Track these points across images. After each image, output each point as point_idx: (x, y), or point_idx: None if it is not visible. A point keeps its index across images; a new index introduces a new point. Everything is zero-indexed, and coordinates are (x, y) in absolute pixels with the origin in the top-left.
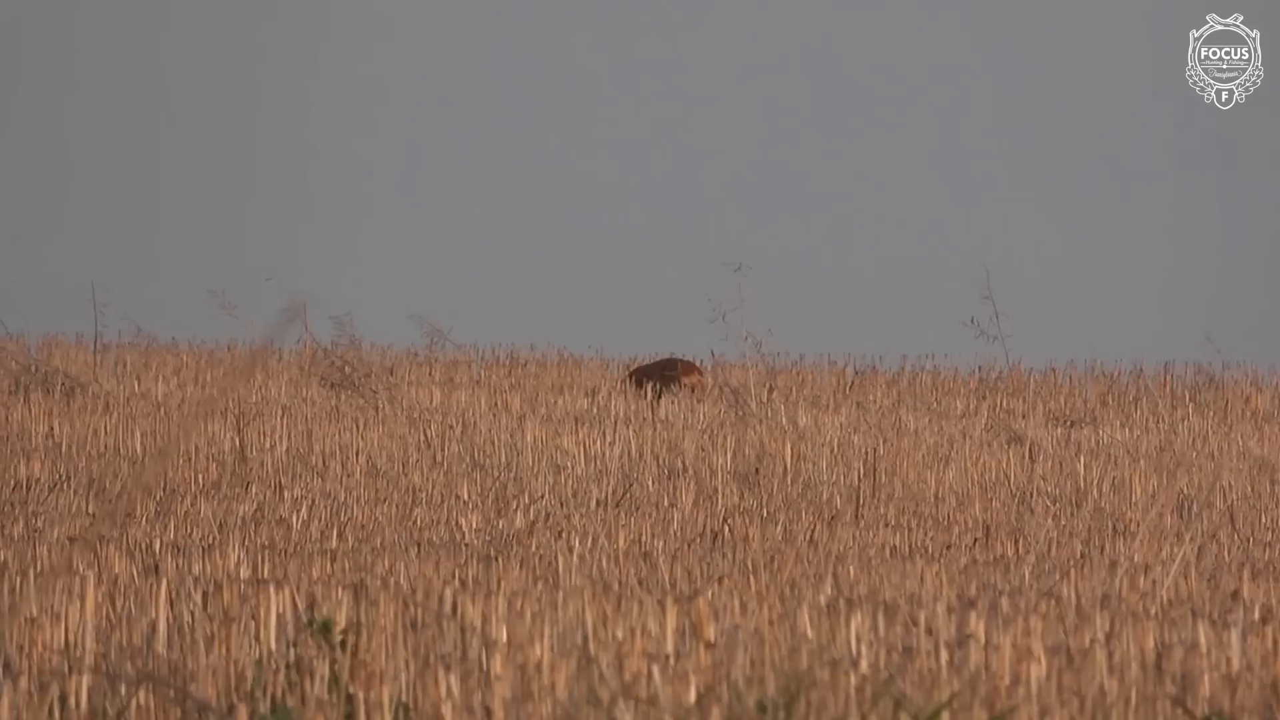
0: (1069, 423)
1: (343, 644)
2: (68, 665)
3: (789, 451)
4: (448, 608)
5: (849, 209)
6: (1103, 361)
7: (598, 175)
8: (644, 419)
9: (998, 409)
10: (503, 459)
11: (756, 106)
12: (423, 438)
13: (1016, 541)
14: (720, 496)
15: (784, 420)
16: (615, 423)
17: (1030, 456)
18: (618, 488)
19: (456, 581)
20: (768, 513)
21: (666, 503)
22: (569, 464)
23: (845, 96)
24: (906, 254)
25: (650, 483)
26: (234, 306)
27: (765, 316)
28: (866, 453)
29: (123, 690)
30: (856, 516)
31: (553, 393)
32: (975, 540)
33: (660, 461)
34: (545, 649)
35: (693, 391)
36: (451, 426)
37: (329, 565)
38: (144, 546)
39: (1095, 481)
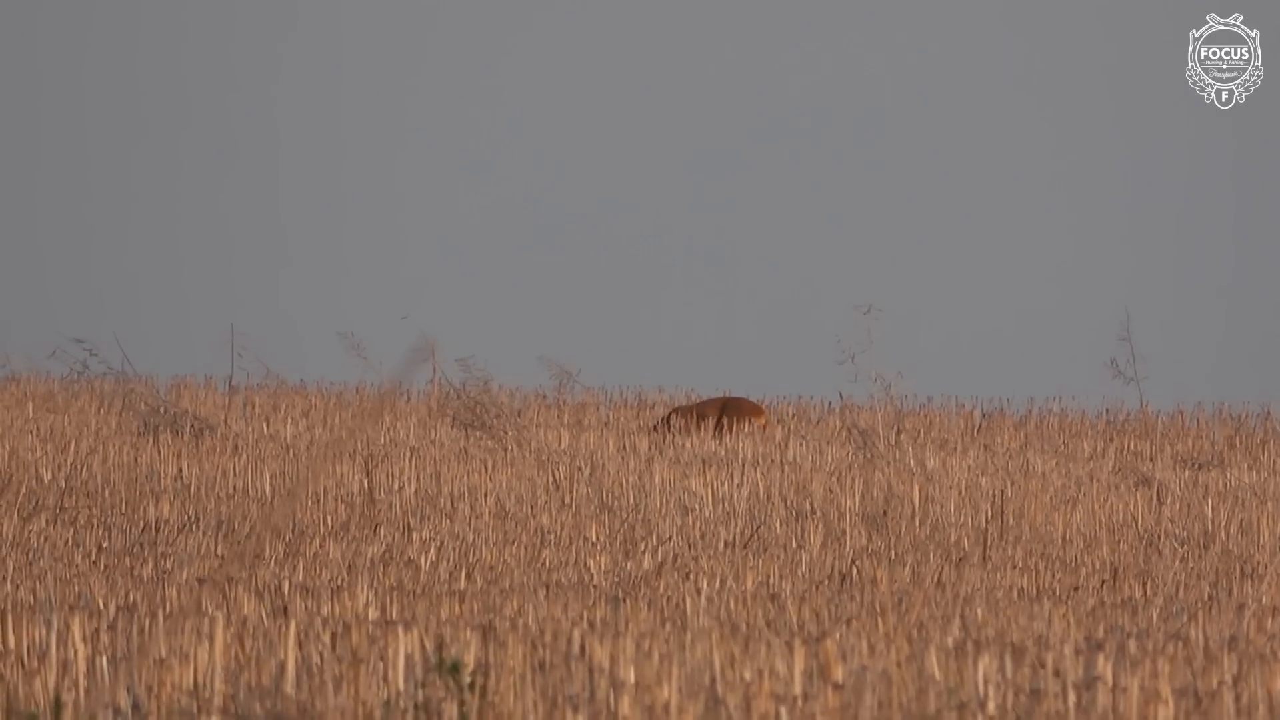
0: (1197, 465)
1: (471, 685)
2: (196, 706)
3: (917, 493)
4: (576, 649)
5: (977, 250)
6: (1230, 404)
7: (726, 217)
8: (772, 461)
9: (1125, 451)
10: (631, 501)
11: (887, 147)
12: (551, 479)
13: (1144, 583)
14: (848, 538)
15: (912, 462)
16: (743, 464)
17: (1158, 498)
18: (745, 529)
19: (585, 623)
20: (895, 554)
21: (794, 544)
22: (697, 506)
23: (975, 136)
24: (1032, 295)
25: (778, 524)
26: (363, 348)
27: (893, 358)
28: (994, 495)
29: None
30: (984, 558)
31: (680, 435)
32: (1103, 582)
33: (788, 503)
34: (673, 690)
35: (763, 430)
36: (580, 468)
37: (457, 606)
38: (273, 588)
39: (1223, 523)
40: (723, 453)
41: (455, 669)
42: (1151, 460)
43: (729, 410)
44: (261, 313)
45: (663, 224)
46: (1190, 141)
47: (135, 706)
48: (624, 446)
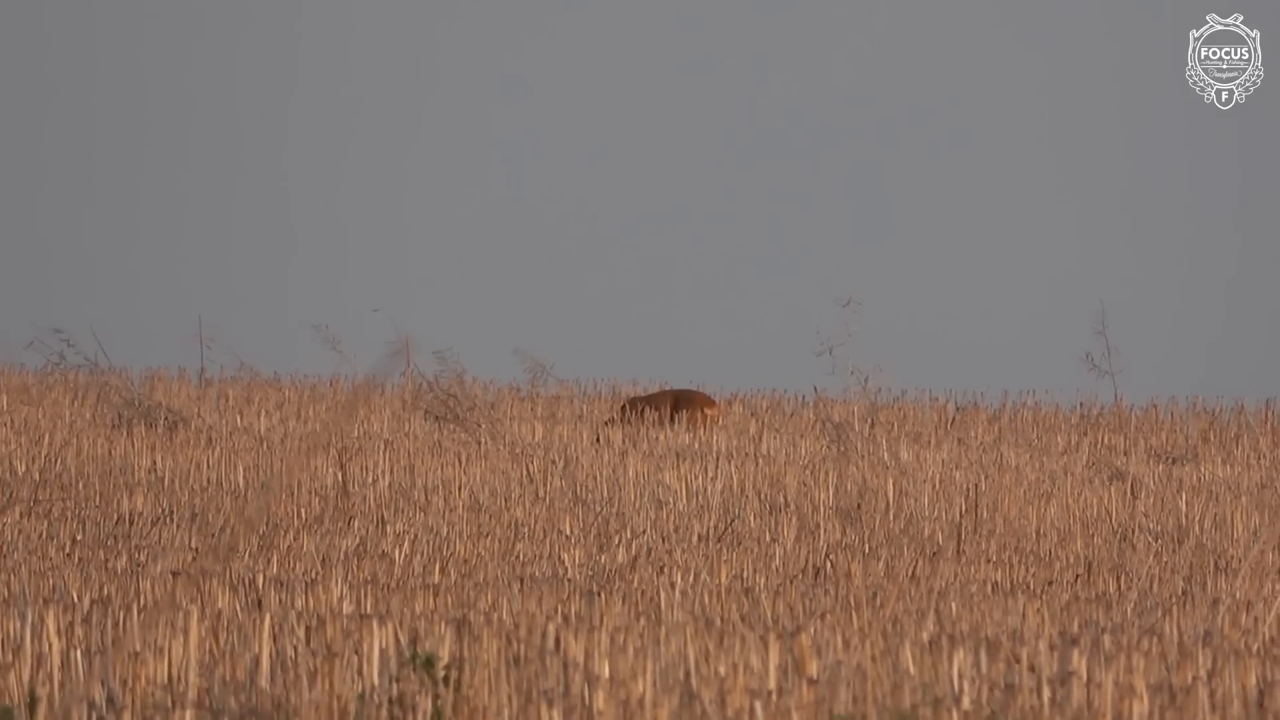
0: (1170, 459)
1: (445, 679)
2: (171, 700)
3: (891, 487)
4: (550, 643)
5: (953, 243)
6: (1204, 398)
7: (702, 208)
8: (746, 454)
9: (1099, 445)
10: (605, 494)
11: (867, 138)
12: (525, 472)
13: (1118, 578)
14: (822, 532)
15: (886, 455)
16: (717, 458)
17: (1132, 493)
18: (719, 523)
19: (559, 617)
20: (870, 548)
21: (768, 538)
22: (671, 499)
23: (953, 127)
24: (1007, 289)
25: (752, 518)
26: (338, 341)
27: (869, 351)
28: (968, 489)
29: None
30: (958, 552)
31: (654, 427)
32: (1077, 577)
33: (762, 497)
34: (648, 685)
35: (716, 422)
36: (554, 461)
37: (431, 600)
38: (247, 581)
39: (1197, 518)
40: (696, 446)
41: (430, 663)
42: (1125, 454)
43: (681, 402)
44: (235, 305)
45: (639, 217)
46: (1190, 142)
47: (110, 700)
48: (598, 440)
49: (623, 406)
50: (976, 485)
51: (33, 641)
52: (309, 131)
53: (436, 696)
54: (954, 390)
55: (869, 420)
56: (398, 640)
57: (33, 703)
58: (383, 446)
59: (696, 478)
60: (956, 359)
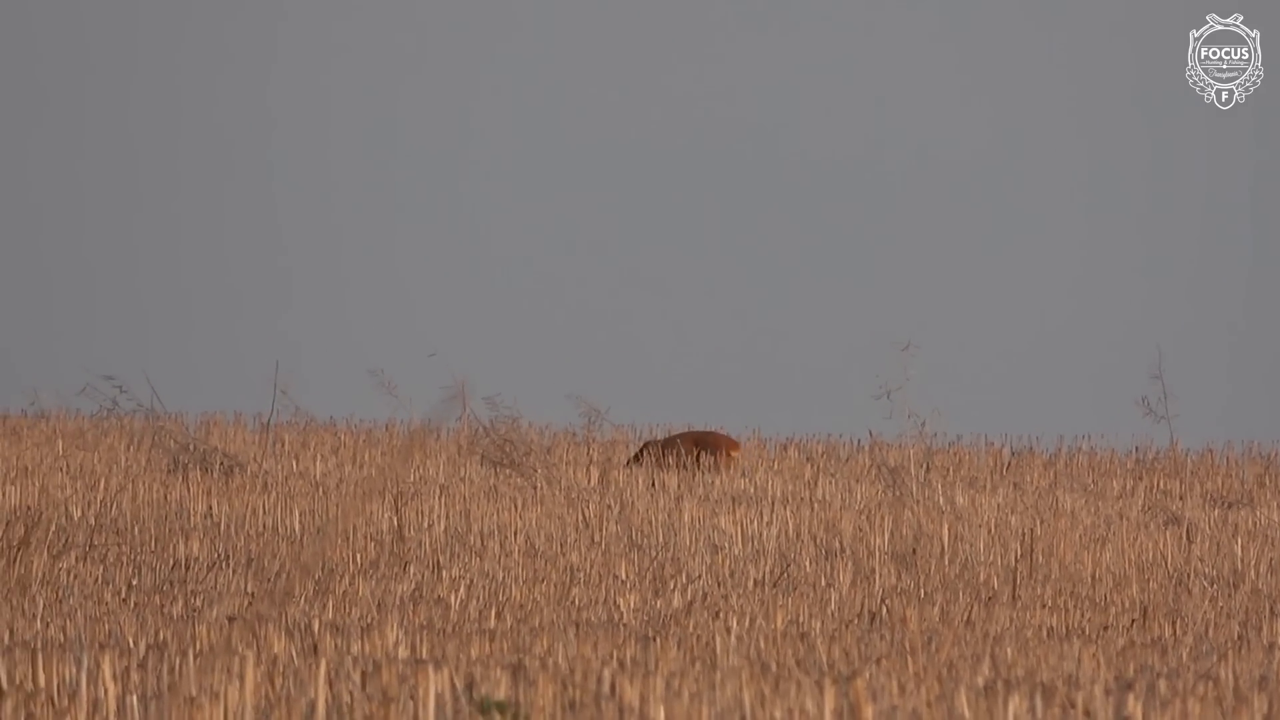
0: (1226, 503)
1: None
2: None
3: (946, 532)
4: (606, 688)
5: (1008, 286)
6: (1260, 442)
7: (759, 252)
8: (801, 499)
9: (1155, 490)
10: (660, 539)
11: (924, 183)
12: (581, 517)
13: (1174, 623)
14: (878, 577)
15: (941, 500)
16: (773, 503)
17: (1188, 537)
18: (775, 568)
19: (615, 662)
20: (925, 593)
21: (824, 583)
22: (726, 544)
23: (1009, 171)
24: (1063, 333)
25: (808, 563)
26: (393, 386)
27: (926, 396)
28: (1023, 533)
29: None
30: (1014, 597)
31: (710, 472)
32: (1132, 621)
33: (817, 541)
34: None
35: (736, 463)
36: (609, 506)
37: (487, 645)
38: (303, 626)
39: (1253, 562)
40: (752, 490)
41: (486, 708)
42: (1181, 499)
43: (705, 443)
44: (292, 350)
45: (695, 262)
46: (1190, 142)
47: None
48: (653, 484)
49: (640, 449)
50: (1032, 530)
51: (89, 687)
52: (364, 176)
53: None
54: (1009, 435)
55: (924, 465)
56: (454, 685)
57: None
58: (438, 491)
59: (752, 522)
60: (1012, 403)
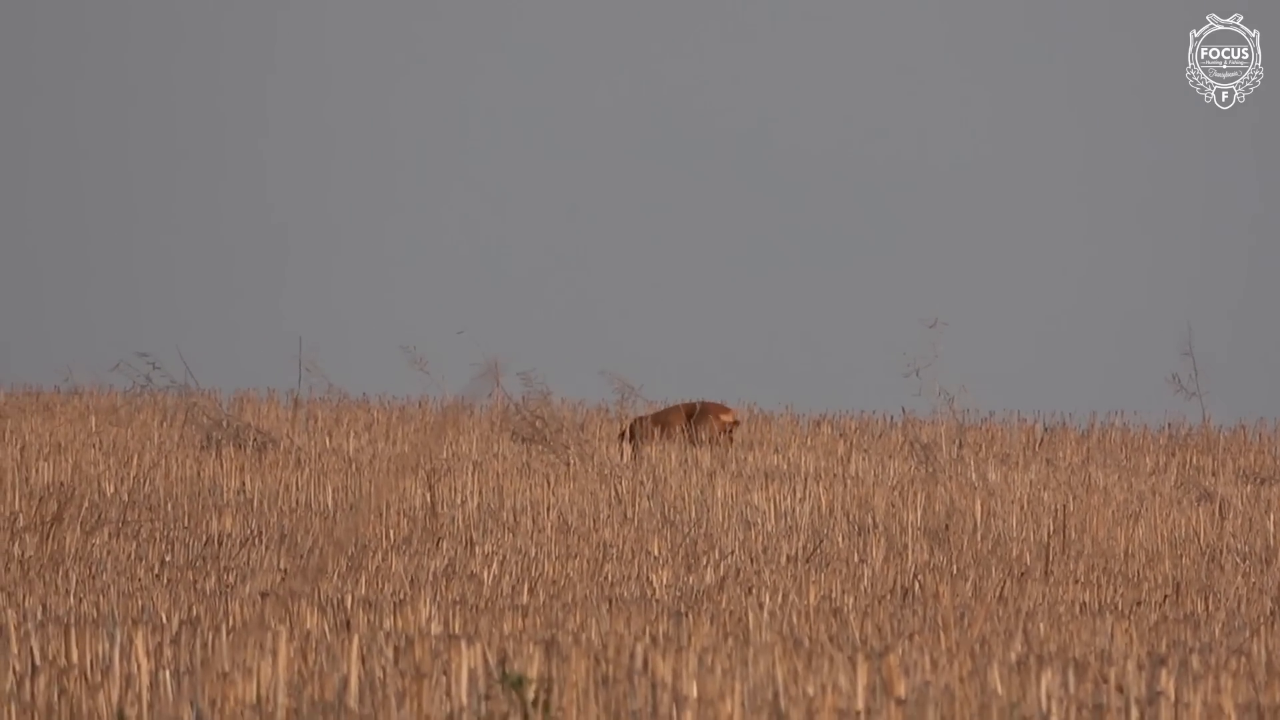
0: (1259, 479)
1: (534, 700)
2: None
3: (979, 508)
4: (639, 664)
5: (1039, 263)
6: None
7: (788, 231)
8: (834, 475)
9: (1188, 466)
10: (693, 515)
11: (951, 160)
12: (613, 493)
13: (1206, 598)
14: (910, 552)
15: (974, 476)
16: (805, 479)
17: (1220, 513)
18: (808, 544)
19: (647, 637)
20: (958, 569)
21: (856, 559)
22: (759, 520)
23: (1036, 148)
24: (1096, 309)
25: (840, 539)
26: (425, 362)
27: (957, 372)
28: (1056, 509)
29: None
30: (1046, 573)
31: (742, 449)
32: (1165, 597)
33: (850, 517)
34: (736, 705)
35: (727, 432)
36: (642, 482)
37: (520, 621)
38: (336, 602)
39: None
40: (785, 466)
41: (519, 683)
42: (1214, 475)
43: (696, 413)
44: (324, 327)
45: (724, 237)
46: (1190, 142)
47: None
48: (686, 460)
49: (632, 424)
50: (1064, 506)
51: (122, 662)
52: (396, 152)
53: (526, 717)
54: (1042, 411)
55: (957, 441)
56: (486, 661)
57: None
58: (471, 468)
59: (785, 498)
60: (1045, 380)
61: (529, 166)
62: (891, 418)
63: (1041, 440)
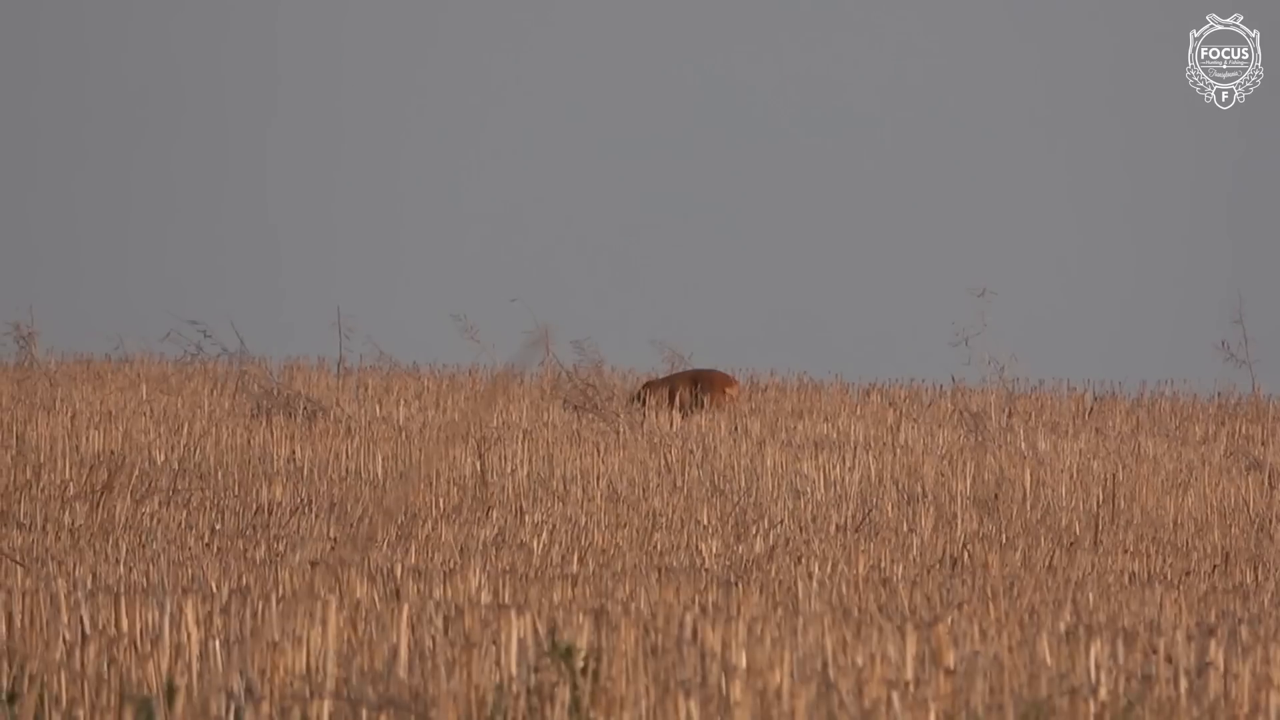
0: None
1: (584, 670)
2: (309, 690)
3: (1028, 477)
4: (688, 633)
5: (1089, 232)
6: None
7: (838, 199)
8: (884, 444)
9: (1237, 435)
10: (742, 484)
11: (999, 130)
12: (663, 462)
13: (1255, 568)
14: (959, 522)
15: (1023, 445)
16: (855, 448)
17: (1270, 483)
18: (857, 513)
19: (696, 607)
20: (1007, 538)
21: (906, 528)
22: (808, 489)
23: (1082, 119)
24: (1145, 277)
25: (890, 508)
26: (475, 331)
27: (1006, 341)
28: (1105, 479)
29: (364, 715)
30: (1095, 543)
31: (792, 418)
32: (1214, 567)
33: (899, 487)
34: (785, 675)
35: (734, 401)
36: (692, 451)
37: (570, 590)
38: (385, 571)
39: None
40: (835, 435)
41: (569, 654)
42: (1263, 444)
43: (701, 382)
44: (374, 295)
45: (775, 208)
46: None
47: (248, 690)
48: (736, 429)
49: (640, 389)
50: (1114, 475)
51: (171, 631)
52: (448, 121)
53: (575, 687)
54: (1092, 379)
55: (1006, 410)
56: (536, 630)
57: (171, 692)
58: (521, 436)
59: (834, 467)
60: (1095, 348)
61: (583, 135)
62: (941, 387)
63: (1091, 409)
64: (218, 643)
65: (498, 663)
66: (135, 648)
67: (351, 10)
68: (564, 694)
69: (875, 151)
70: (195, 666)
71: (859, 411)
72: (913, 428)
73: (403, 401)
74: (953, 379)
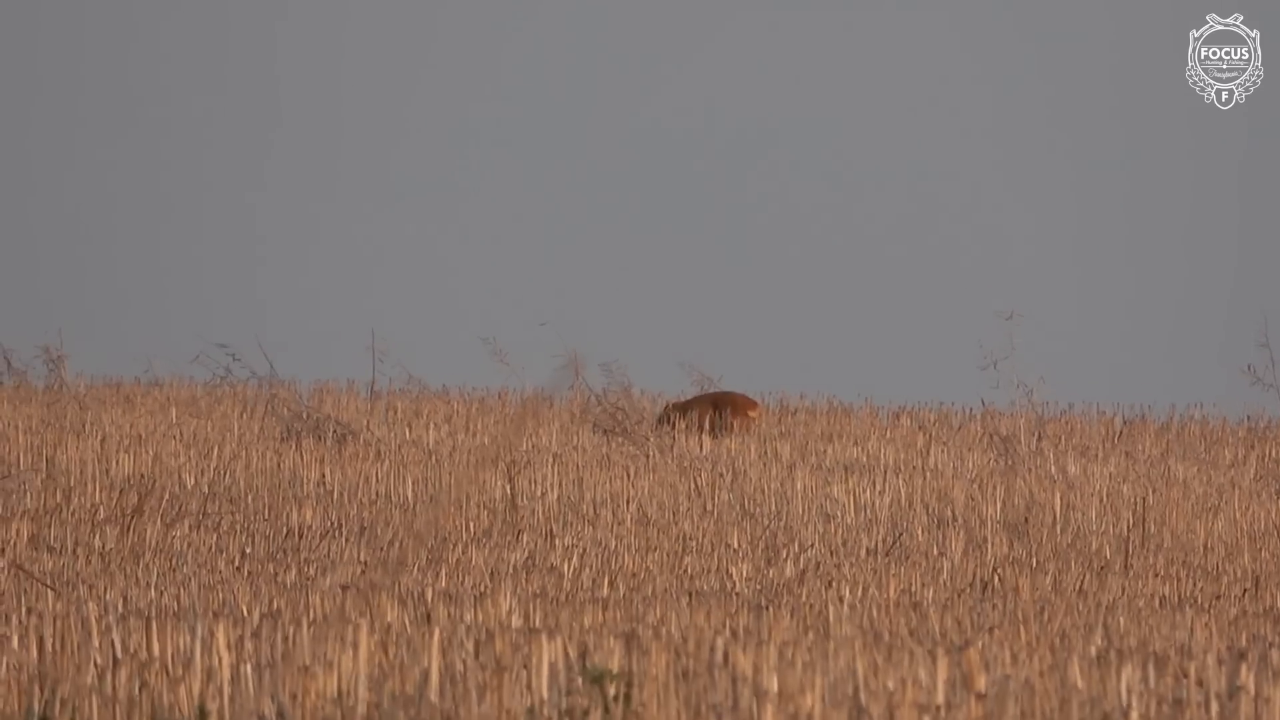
0: None
1: (615, 694)
2: (341, 714)
3: (1058, 501)
4: (719, 657)
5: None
6: None
7: (867, 222)
8: (914, 468)
9: (1267, 459)
10: (773, 507)
11: (1027, 155)
12: (693, 486)
13: None
14: (990, 546)
15: (1053, 469)
16: (885, 471)
17: None
18: (887, 537)
19: (727, 631)
20: (1037, 562)
21: (936, 552)
22: (839, 513)
23: (1107, 144)
24: (1174, 301)
25: (920, 532)
26: (505, 354)
27: (1035, 364)
28: (1136, 502)
29: None
30: (1126, 566)
31: (822, 441)
32: (1245, 591)
33: (930, 510)
34: (816, 699)
35: (755, 423)
36: (722, 475)
37: (600, 614)
38: (416, 595)
39: None
40: (865, 459)
41: (600, 677)
42: None
43: (721, 405)
44: (404, 318)
45: (804, 230)
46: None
47: (280, 714)
48: (766, 453)
49: (663, 412)
50: (1144, 499)
51: (203, 655)
52: (477, 143)
53: (606, 711)
54: (1121, 403)
55: (1036, 434)
56: (567, 654)
57: (203, 717)
58: (551, 460)
59: (864, 491)
60: (1124, 372)
61: (611, 157)
62: (970, 410)
63: (1121, 433)
64: (249, 667)
65: (529, 687)
66: (167, 672)
67: (363, 27)
68: (596, 718)
69: (904, 174)
70: (227, 691)
71: (889, 435)
72: (942, 451)
73: (432, 425)
74: (982, 402)
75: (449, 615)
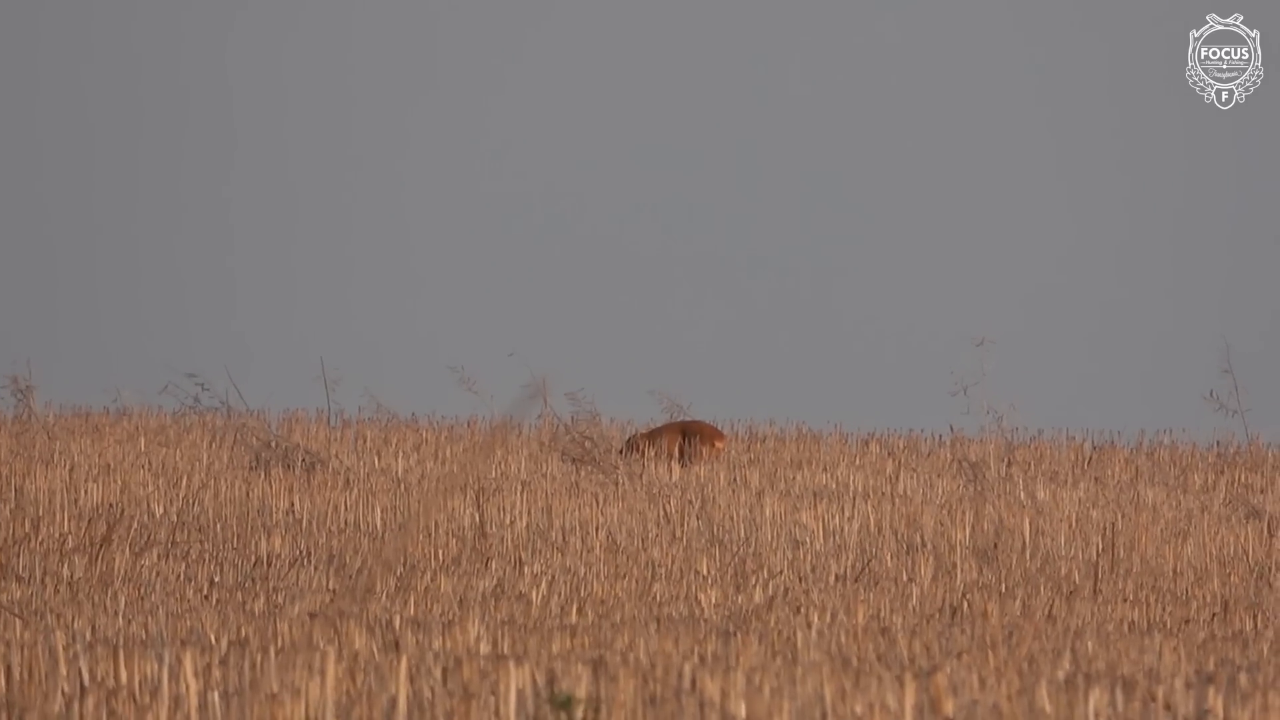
0: None
1: None
2: None
3: (1027, 526)
4: (687, 683)
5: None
6: None
7: (837, 249)
8: (882, 494)
9: (1236, 484)
10: (741, 534)
11: (997, 182)
12: (662, 513)
13: (1255, 616)
14: (959, 571)
15: (1022, 495)
16: (854, 498)
17: (1269, 531)
18: (856, 563)
19: (695, 657)
20: (1006, 587)
21: (905, 578)
22: (807, 539)
23: (1078, 168)
24: (1142, 327)
25: (889, 557)
26: (473, 382)
27: (1005, 390)
28: (1105, 527)
29: None
30: (1095, 591)
31: (791, 468)
32: (1213, 615)
33: (899, 536)
34: None
35: (719, 455)
36: (690, 502)
37: (569, 641)
38: (384, 622)
39: None
40: (833, 485)
41: (567, 703)
42: (1262, 492)
43: (689, 434)
44: (372, 347)
45: (773, 257)
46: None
47: None
48: (735, 480)
49: (628, 442)
50: (1113, 524)
51: (170, 683)
52: (438, 172)
53: None
54: (1091, 429)
55: (1005, 459)
56: (534, 681)
57: None
58: (520, 487)
59: (833, 517)
60: (1093, 398)
61: (575, 186)
62: (940, 436)
63: (1090, 458)
64: (216, 694)
65: (496, 713)
66: (134, 700)
67: (355, 56)
68: None
69: (874, 200)
70: (194, 718)
71: (858, 461)
72: (912, 477)
73: (401, 453)
74: (951, 428)
75: (417, 643)
